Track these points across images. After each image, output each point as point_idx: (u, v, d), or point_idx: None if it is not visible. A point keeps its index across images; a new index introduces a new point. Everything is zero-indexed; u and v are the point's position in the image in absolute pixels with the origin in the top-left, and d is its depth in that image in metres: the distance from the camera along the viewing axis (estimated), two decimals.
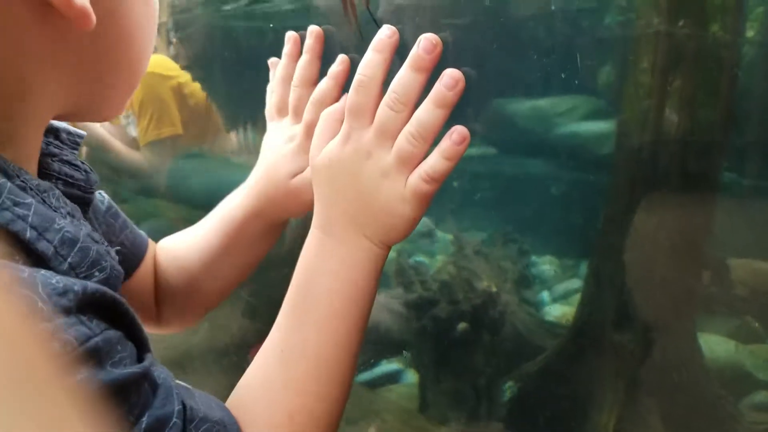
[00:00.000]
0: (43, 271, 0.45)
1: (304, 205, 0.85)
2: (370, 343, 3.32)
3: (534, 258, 4.75)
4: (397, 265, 3.37)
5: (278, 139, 0.88)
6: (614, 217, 2.64)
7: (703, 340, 2.72)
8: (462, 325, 2.78)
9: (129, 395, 0.47)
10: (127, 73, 0.69)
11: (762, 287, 3.10)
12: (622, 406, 2.39)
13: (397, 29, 0.70)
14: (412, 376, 3.24)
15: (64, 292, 0.43)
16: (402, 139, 0.70)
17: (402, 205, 0.71)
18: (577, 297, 2.93)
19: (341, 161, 0.72)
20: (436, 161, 0.72)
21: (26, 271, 0.44)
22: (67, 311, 0.43)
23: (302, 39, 0.96)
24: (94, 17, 0.56)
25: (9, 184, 0.50)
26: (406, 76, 0.70)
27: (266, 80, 1.08)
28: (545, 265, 4.88)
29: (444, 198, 6.13)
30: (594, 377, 2.50)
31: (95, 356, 0.44)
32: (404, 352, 3.17)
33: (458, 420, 2.63)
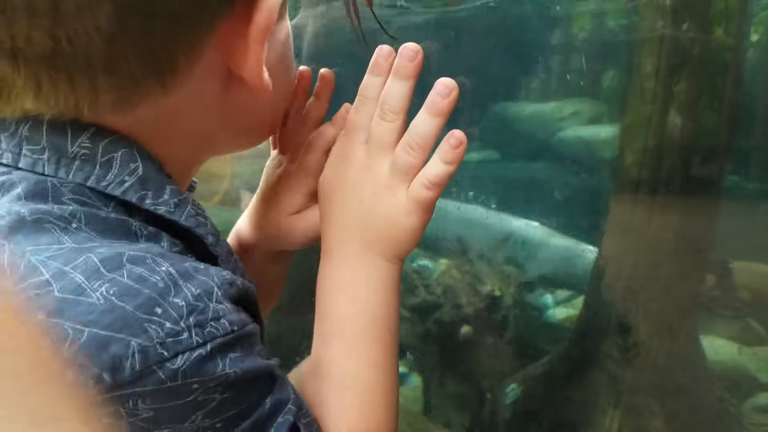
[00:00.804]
0: (213, 267, 0.54)
1: (301, 240, 0.84)
2: None
3: (537, 261, 4.75)
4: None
5: (276, 173, 0.88)
6: (618, 220, 2.64)
7: (706, 343, 2.72)
8: (465, 329, 2.79)
9: (261, 381, 0.55)
10: (270, 117, 0.76)
11: (765, 290, 3.10)
12: (625, 409, 2.40)
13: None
14: (416, 379, 3.25)
15: (232, 283, 0.53)
16: (400, 150, 0.71)
17: (406, 216, 0.71)
18: (580, 300, 2.94)
19: (341, 179, 0.74)
20: (436, 166, 0.72)
21: (202, 264, 0.54)
22: (233, 299, 0.53)
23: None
24: (271, 85, 0.63)
25: (192, 198, 0.62)
26: (393, 86, 0.73)
27: None
28: (548, 268, 4.88)
29: (447, 202, 6.14)
30: (597, 380, 2.50)
31: (248, 341, 0.53)
32: (408, 355, 3.18)
33: (462, 422, 2.64)
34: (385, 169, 0.72)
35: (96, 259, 0.47)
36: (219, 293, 0.51)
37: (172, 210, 0.58)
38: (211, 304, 0.50)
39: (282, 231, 0.84)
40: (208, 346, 0.48)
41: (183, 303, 0.48)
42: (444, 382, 2.75)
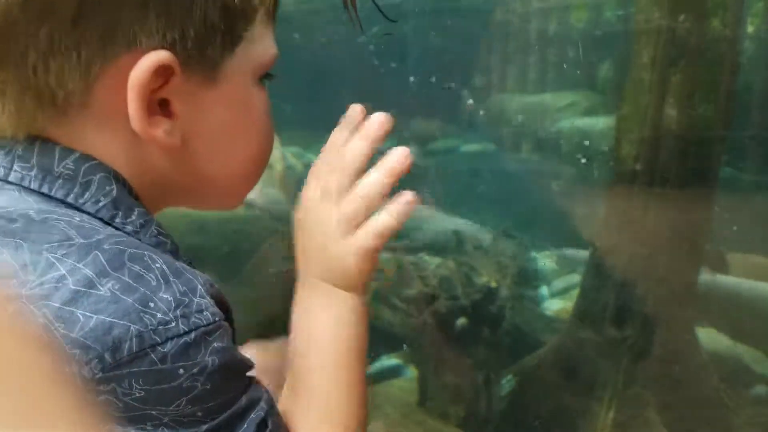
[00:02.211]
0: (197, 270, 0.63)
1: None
2: (371, 338, 3.33)
3: (533, 253, 4.76)
4: (397, 261, 3.39)
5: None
6: (614, 212, 2.65)
7: (702, 334, 2.73)
8: (462, 320, 2.79)
9: (238, 378, 0.62)
10: (222, 176, 0.77)
11: (761, 281, 3.11)
12: (621, 399, 2.40)
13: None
14: (412, 371, 3.25)
15: (212, 284, 0.61)
16: (349, 202, 0.78)
17: (352, 258, 0.77)
18: (576, 292, 2.94)
19: (306, 213, 0.81)
20: (383, 220, 0.78)
21: (187, 266, 0.63)
22: (212, 297, 0.60)
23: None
24: (176, 143, 0.68)
25: (155, 221, 0.70)
26: (356, 144, 0.81)
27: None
28: (544, 260, 4.89)
29: (444, 194, 6.15)
30: (593, 371, 2.51)
31: (227, 334, 0.61)
32: (404, 346, 3.19)
33: (458, 414, 2.64)
34: (333, 216, 0.78)
35: (102, 258, 0.56)
36: (202, 290, 0.59)
37: (138, 230, 0.66)
38: (195, 299, 0.58)
39: None
40: (193, 334, 0.56)
41: (171, 298, 0.56)
42: (440, 373, 2.76)
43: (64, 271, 0.54)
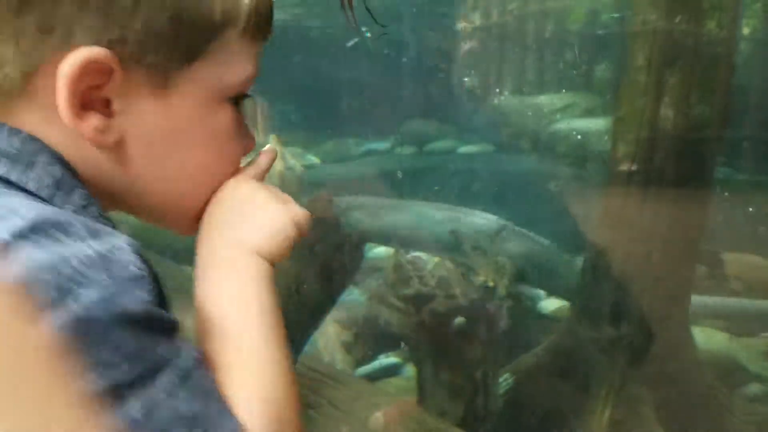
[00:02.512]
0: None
1: None
2: (369, 338, 3.35)
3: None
4: (395, 261, 3.40)
5: None
6: (610, 212, 2.66)
7: (697, 333, 2.74)
8: (459, 320, 2.80)
9: (160, 328, 0.60)
10: (158, 188, 0.76)
11: (756, 281, 3.13)
12: (617, 397, 2.42)
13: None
14: (410, 370, 3.27)
15: (140, 253, 0.61)
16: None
17: (274, 222, 0.77)
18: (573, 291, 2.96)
19: (219, 204, 0.78)
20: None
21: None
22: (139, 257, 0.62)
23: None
24: (111, 141, 0.69)
25: (98, 205, 0.69)
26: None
27: None
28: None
29: (442, 195, 6.16)
30: (589, 369, 2.52)
31: (149, 288, 0.60)
32: (402, 345, 3.20)
33: (456, 412, 2.66)
34: (261, 190, 0.79)
35: (23, 220, 0.57)
36: (126, 248, 0.59)
37: (77, 210, 0.66)
38: (119, 254, 0.58)
39: None
40: (114, 285, 0.55)
41: (93, 252, 0.57)
42: (438, 372, 2.77)
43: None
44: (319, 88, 6.66)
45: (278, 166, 4.95)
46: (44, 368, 0.40)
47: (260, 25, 0.73)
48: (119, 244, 0.59)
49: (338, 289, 2.82)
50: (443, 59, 6.79)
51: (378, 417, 2.48)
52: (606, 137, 3.09)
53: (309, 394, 2.54)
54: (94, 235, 0.59)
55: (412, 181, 6.24)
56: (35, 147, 0.66)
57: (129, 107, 0.68)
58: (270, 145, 0.88)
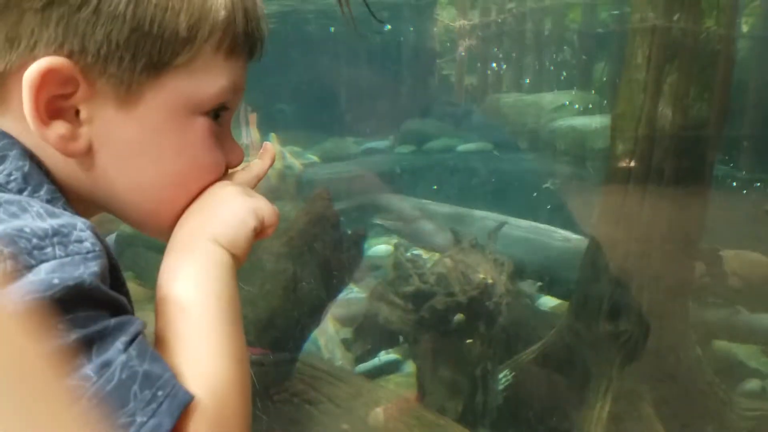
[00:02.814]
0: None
1: None
2: (369, 335, 3.36)
3: None
4: (395, 258, 3.40)
5: None
6: (609, 209, 2.67)
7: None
8: (459, 317, 2.81)
9: (111, 302, 0.61)
10: (131, 196, 0.78)
11: (754, 278, 3.13)
12: (616, 393, 2.42)
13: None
14: (410, 367, 3.27)
15: (99, 236, 0.62)
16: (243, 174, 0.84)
17: (236, 213, 0.78)
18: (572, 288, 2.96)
19: (211, 190, 0.80)
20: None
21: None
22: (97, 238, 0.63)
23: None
24: (78, 149, 0.70)
25: (65, 202, 0.71)
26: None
27: None
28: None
29: (442, 193, 6.16)
30: (588, 365, 2.53)
31: (104, 266, 0.61)
32: (400, 339, 3.20)
33: (455, 408, 2.66)
34: (230, 186, 0.81)
35: None
36: (83, 227, 0.60)
37: (44, 203, 0.67)
38: (75, 232, 0.60)
39: None
40: (69, 258, 0.57)
41: (48, 227, 0.58)
42: (437, 368, 2.78)
43: None
44: (318, 89, 6.67)
45: (277, 164, 4.96)
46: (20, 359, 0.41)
47: (239, 42, 0.73)
48: (75, 223, 0.60)
49: (338, 287, 2.83)
50: (441, 57, 6.79)
51: (378, 413, 2.49)
52: (604, 135, 3.09)
53: (309, 391, 2.55)
54: (52, 215, 0.61)
55: (411, 179, 6.25)
56: (7, 142, 0.68)
57: (96, 117, 0.70)
58: (266, 147, 0.89)
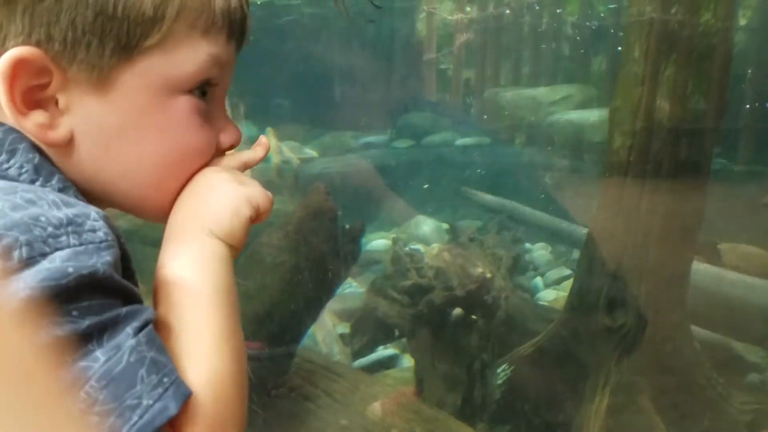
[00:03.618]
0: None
1: None
2: (367, 329, 3.36)
3: (527, 245, 4.79)
4: (393, 253, 3.40)
5: None
6: (607, 203, 2.66)
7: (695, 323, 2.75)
8: (457, 311, 2.81)
9: (125, 293, 0.62)
10: (122, 181, 0.78)
11: (753, 271, 3.14)
12: (614, 386, 2.43)
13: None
14: (408, 361, 3.28)
15: (110, 220, 0.64)
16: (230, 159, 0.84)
17: (231, 202, 0.78)
18: (570, 283, 2.96)
19: (206, 172, 0.80)
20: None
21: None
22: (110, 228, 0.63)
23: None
24: (58, 138, 0.71)
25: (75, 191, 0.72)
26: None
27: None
28: (539, 251, 4.93)
29: (440, 187, 6.16)
30: (586, 360, 2.53)
31: (117, 256, 0.62)
32: (398, 334, 3.21)
33: (454, 401, 2.67)
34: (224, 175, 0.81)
35: None
36: (96, 217, 0.62)
37: (58, 193, 0.67)
38: (89, 221, 0.61)
39: None
40: (83, 248, 0.58)
41: (63, 216, 0.59)
42: (435, 363, 2.78)
43: None
44: (316, 83, 6.66)
45: (275, 159, 4.96)
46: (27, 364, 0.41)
47: (217, 19, 0.73)
48: (89, 213, 0.61)
49: (336, 281, 2.82)
50: (439, 51, 6.79)
51: (376, 408, 2.49)
52: (602, 128, 3.09)
53: (306, 386, 2.55)
54: (67, 204, 0.61)
55: (409, 173, 6.25)
56: (16, 136, 0.69)
57: (74, 105, 0.70)
58: (261, 140, 0.89)
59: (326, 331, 3.43)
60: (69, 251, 0.57)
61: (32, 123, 0.68)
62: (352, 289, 4.13)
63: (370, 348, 3.39)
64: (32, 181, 0.67)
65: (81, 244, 0.58)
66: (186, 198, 0.78)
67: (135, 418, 0.56)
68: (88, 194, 0.75)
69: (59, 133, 0.70)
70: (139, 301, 0.63)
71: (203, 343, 0.70)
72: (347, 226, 2.80)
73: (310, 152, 6.12)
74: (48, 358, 0.44)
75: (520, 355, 2.81)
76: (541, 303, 3.73)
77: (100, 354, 0.56)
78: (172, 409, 0.58)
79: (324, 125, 6.76)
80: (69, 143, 0.71)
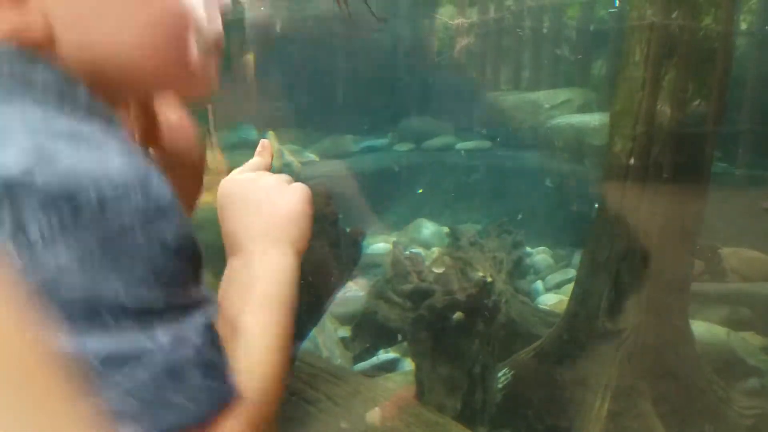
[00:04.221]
0: None
1: None
2: (368, 333, 3.36)
3: (528, 249, 4.78)
4: (394, 256, 3.40)
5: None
6: (607, 207, 2.66)
7: (696, 327, 2.75)
8: (457, 315, 2.81)
9: (195, 263, 0.59)
10: (122, 53, 0.70)
11: (753, 275, 3.14)
12: (615, 390, 2.43)
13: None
14: (408, 365, 3.27)
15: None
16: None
17: (291, 206, 0.78)
18: (570, 286, 2.96)
19: (238, 191, 0.80)
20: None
21: None
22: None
23: None
24: (36, 29, 0.65)
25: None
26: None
27: None
28: (539, 255, 4.92)
29: (440, 191, 6.17)
30: (587, 363, 2.53)
31: (183, 217, 0.59)
32: (398, 337, 3.20)
33: (454, 405, 2.66)
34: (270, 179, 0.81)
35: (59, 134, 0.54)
36: (160, 176, 0.56)
37: (89, 109, 0.64)
38: (154, 179, 0.55)
39: None
40: (153, 206, 0.54)
41: (131, 170, 0.54)
42: (436, 366, 2.77)
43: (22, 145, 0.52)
44: (317, 88, 6.66)
45: (276, 162, 4.94)
46: (43, 375, 0.40)
47: None
48: (154, 172, 0.56)
49: (336, 285, 2.82)
50: (440, 55, 6.79)
51: (376, 412, 2.49)
52: (603, 132, 3.09)
53: (307, 390, 2.54)
54: (128, 153, 0.57)
55: (410, 177, 6.25)
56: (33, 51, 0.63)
57: None
58: (264, 144, 0.88)
59: (327, 335, 3.42)
60: (139, 213, 0.54)
61: (7, 26, 0.63)
62: (353, 292, 4.13)
63: (371, 352, 3.38)
64: (61, 93, 0.62)
65: (149, 203, 0.55)
66: (244, 208, 0.78)
67: (185, 412, 0.54)
68: (106, 89, 0.69)
69: (36, 29, 0.65)
70: (203, 269, 0.61)
71: (260, 353, 0.70)
72: (348, 230, 2.80)
73: (310, 156, 6.12)
74: (54, 355, 0.42)
75: (521, 359, 2.81)
76: (541, 307, 3.72)
77: (163, 336, 0.53)
78: (218, 410, 0.57)
79: (324, 129, 6.76)
80: (52, 41, 0.65)
